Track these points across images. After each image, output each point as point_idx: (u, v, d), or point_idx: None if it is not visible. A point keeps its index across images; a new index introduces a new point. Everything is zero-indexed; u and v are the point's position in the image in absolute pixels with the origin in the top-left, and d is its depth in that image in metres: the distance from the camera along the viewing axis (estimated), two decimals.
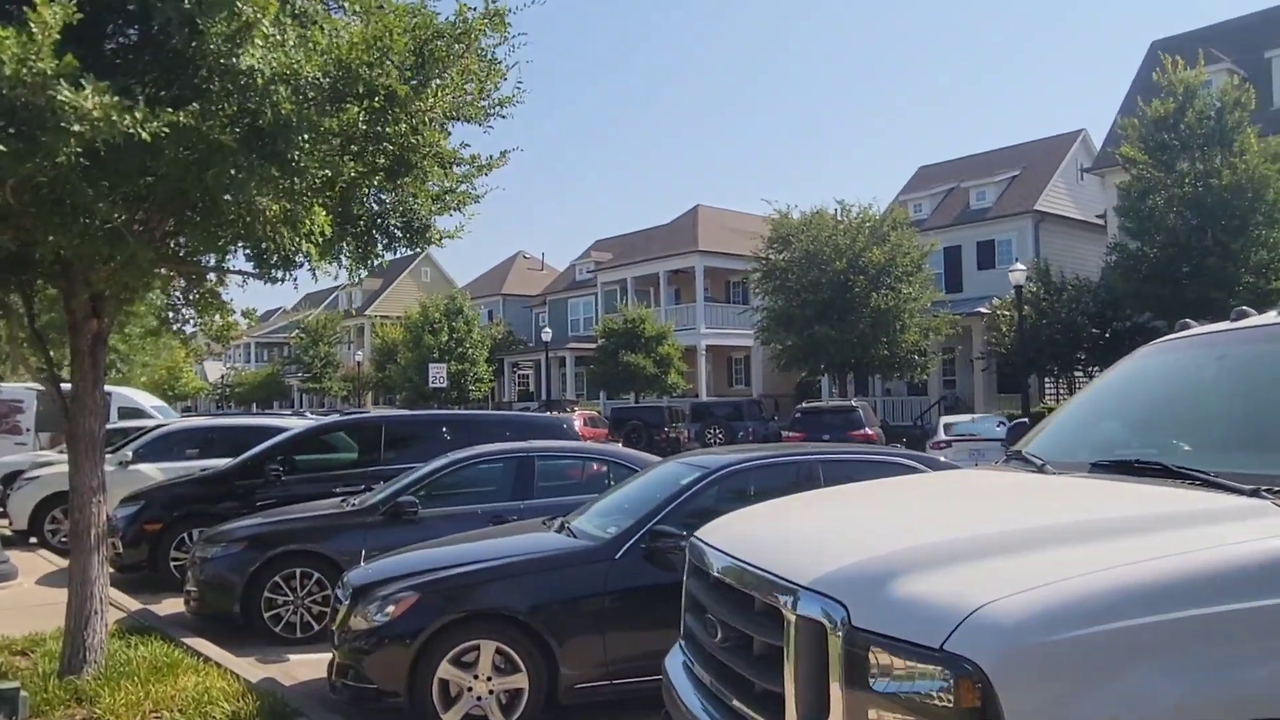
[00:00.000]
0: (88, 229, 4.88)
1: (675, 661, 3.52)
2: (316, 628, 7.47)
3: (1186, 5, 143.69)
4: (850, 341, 25.14)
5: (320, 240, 6.14)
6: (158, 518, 9.78)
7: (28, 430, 20.94)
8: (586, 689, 5.18)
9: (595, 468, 8.73)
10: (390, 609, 5.13)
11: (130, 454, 12.67)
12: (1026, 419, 21.89)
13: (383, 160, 5.32)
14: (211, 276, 7.32)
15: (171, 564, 9.73)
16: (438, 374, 32.19)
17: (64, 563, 11.27)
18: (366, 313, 58.98)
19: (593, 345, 43.78)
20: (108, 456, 13.85)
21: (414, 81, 4.82)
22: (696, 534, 3.53)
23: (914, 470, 5.85)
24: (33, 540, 12.34)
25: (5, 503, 17.19)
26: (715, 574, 3.09)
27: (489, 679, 5.06)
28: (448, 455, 8.44)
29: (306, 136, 4.42)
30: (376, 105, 4.77)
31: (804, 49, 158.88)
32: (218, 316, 7.89)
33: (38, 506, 12.37)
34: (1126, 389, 3.95)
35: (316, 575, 7.51)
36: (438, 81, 4.94)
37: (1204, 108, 19.44)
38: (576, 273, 50.53)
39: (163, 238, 5.74)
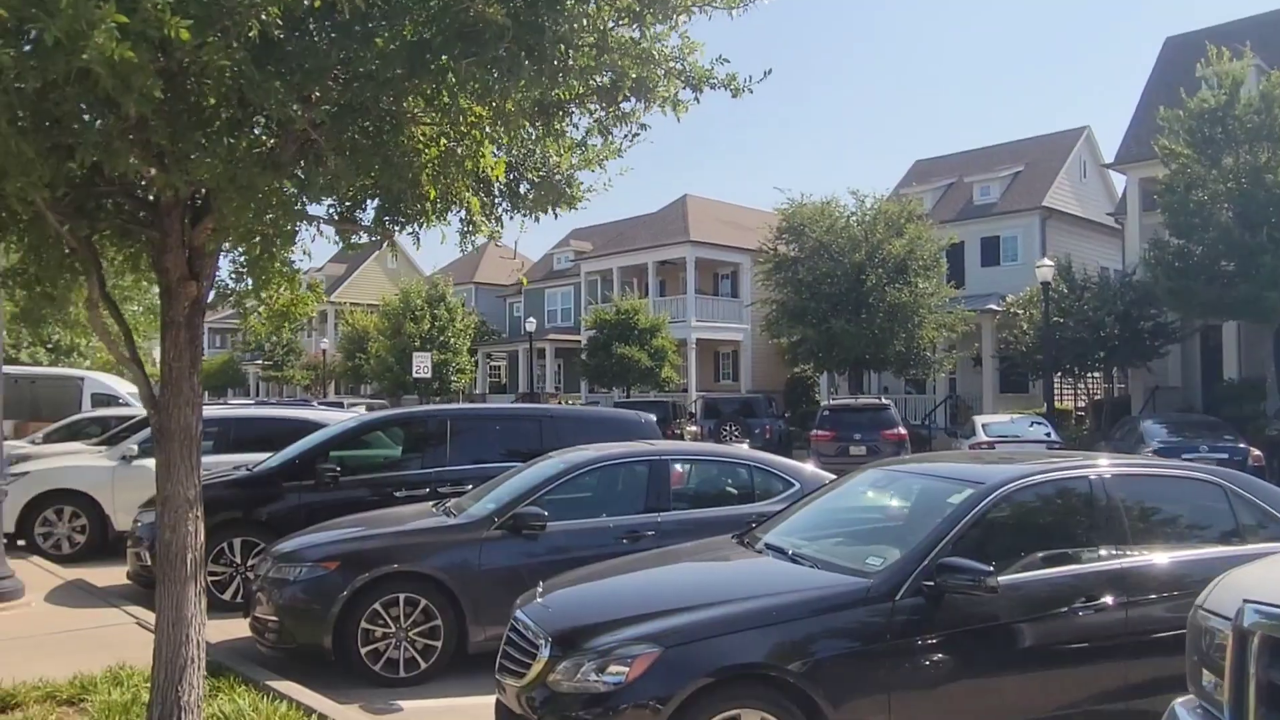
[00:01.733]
0: (232, 151, 3.56)
1: None
2: (423, 665, 6.18)
3: (1190, 4, 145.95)
4: (866, 336, 24.23)
5: (493, 187, 4.92)
6: None
7: None
8: None
9: (727, 475, 7.55)
10: (621, 669, 3.89)
11: (135, 448, 11.13)
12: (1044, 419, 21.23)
13: (601, 78, 4.06)
14: (302, 231, 6.03)
15: (209, 579, 8.32)
16: (421, 364, 30.56)
17: (66, 573, 9.79)
18: (331, 299, 56.76)
19: (573, 336, 42.48)
20: (102, 450, 12.31)
21: None
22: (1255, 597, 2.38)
23: (1226, 489, 4.78)
24: (20, 544, 10.72)
25: None
26: None
27: None
28: (560, 457, 7.21)
29: (582, 25, 3.17)
30: None
31: (786, 38, 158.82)
32: (284, 288, 6.57)
33: (27, 507, 10.73)
34: None
35: (423, 602, 6.21)
36: None
37: (1250, 100, 18.84)
38: (554, 262, 49.07)
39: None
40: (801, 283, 25.82)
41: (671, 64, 3.99)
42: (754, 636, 4.02)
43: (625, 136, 4.72)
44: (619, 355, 31.16)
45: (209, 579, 8.33)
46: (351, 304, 50.64)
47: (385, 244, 5.52)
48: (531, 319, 37.27)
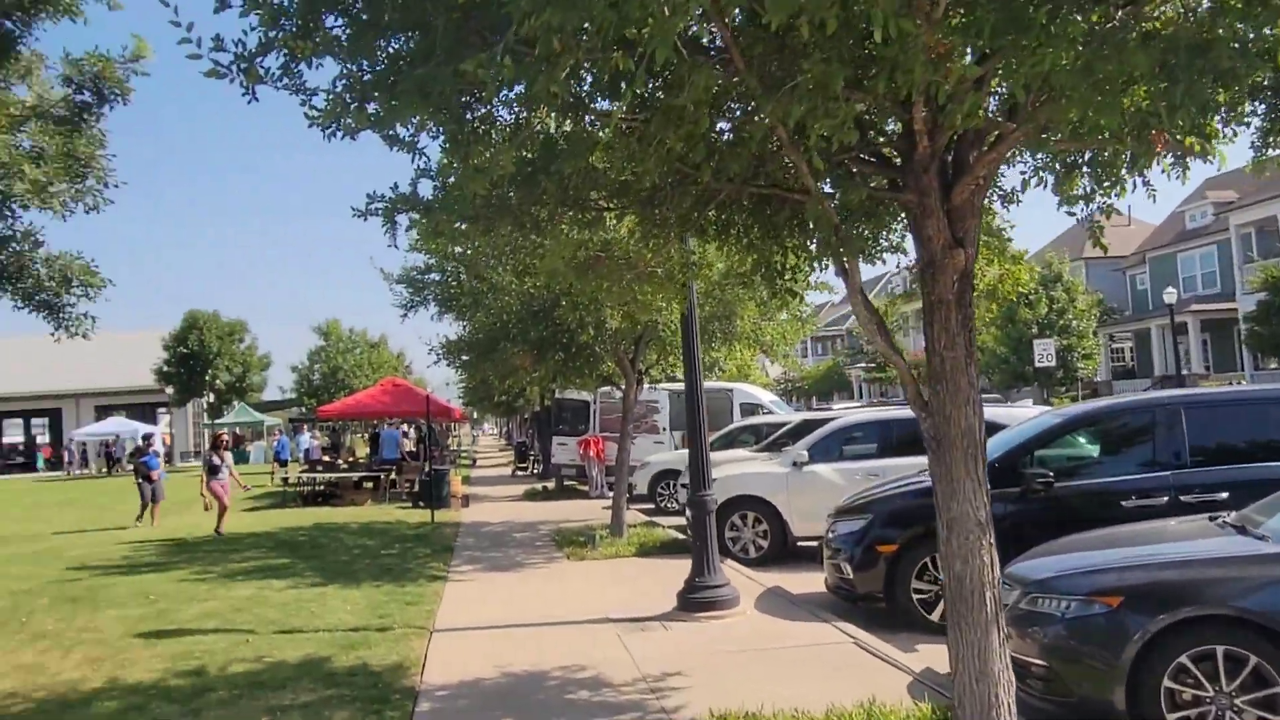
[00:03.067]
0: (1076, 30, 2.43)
1: None
2: None
3: None
4: None
5: None
6: (889, 537, 7.74)
7: (664, 429, 21.80)
8: None
9: None
10: None
11: (805, 454, 11.18)
12: None
13: None
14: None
15: (914, 597, 7.62)
16: (1044, 351, 27.80)
17: (763, 578, 10.03)
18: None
19: (1223, 305, 35.38)
20: (772, 457, 12.74)
21: None
22: None
23: None
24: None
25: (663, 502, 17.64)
26: None
27: None
28: None
29: None
30: None
31: None
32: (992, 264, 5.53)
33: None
34: None
35: (1252, 660, 4.52)
36: None
37: None
38: (1185, 220, 41.63)
39: None
40: None
41: None
42: None
43: None
44: None
45: (915, 596, 7.65)
46: None
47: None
48: (1170, 289, 31.68)
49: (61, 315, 8.21)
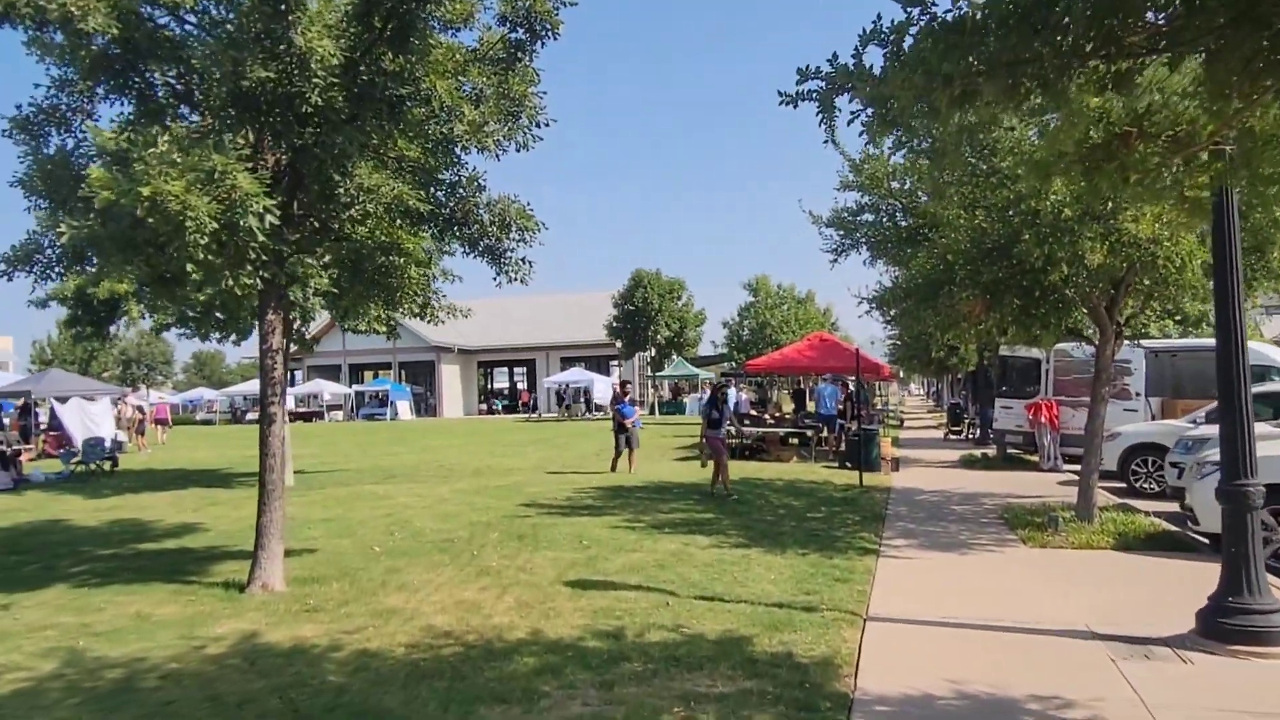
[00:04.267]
0: None
1: None
2: None
3: None
4: None
5: None
6: None
7: (1138, 394, 18.27)
8: None
9: None
10: None
11: None
12: None
13: None
14: None
15: None
16: None
17: None
18: None
19: None
20: None
21: None
22: None
23: None
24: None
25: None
26: None
27: None
28: None
29: None
30: None
31: None
32: None
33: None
34: None
35: None
36: None
37: None
38: None
39: None
40: None
41: None
42: None
43: None
44: None
45: None
46: None
47: None
48: None
49: (502, 261, 8.37)
